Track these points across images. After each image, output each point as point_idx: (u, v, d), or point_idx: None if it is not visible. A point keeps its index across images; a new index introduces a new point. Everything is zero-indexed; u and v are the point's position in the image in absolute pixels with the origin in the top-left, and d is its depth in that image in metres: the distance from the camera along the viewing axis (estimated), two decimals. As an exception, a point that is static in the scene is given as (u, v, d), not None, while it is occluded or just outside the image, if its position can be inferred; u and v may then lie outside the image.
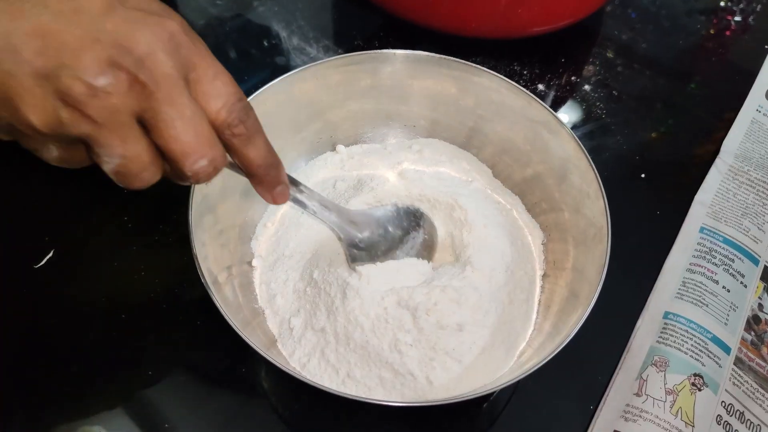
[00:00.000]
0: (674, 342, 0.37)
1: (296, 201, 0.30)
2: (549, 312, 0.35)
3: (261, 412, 0.35)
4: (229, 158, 0.26)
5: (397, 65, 0.39)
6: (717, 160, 0.46)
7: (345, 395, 0.29)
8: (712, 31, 0.57)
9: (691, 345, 0.37)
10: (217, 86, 0.24)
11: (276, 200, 0.28)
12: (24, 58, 0.21)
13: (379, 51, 0.39)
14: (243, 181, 0.37)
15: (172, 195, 0.42)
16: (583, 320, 0.30)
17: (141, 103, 0.22)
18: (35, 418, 0.33)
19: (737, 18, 0.58)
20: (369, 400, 0.31)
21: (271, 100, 0.37)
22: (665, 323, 0.38)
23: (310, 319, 0.34)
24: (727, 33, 0.57)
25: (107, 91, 0.21)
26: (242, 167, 0.26)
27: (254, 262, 0.37)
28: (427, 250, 0.37)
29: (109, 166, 0.23)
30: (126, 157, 0.23)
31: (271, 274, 0.36)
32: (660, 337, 0.37)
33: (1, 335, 0.36)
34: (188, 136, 0.23)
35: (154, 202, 0.43)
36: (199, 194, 0.33)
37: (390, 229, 0.35)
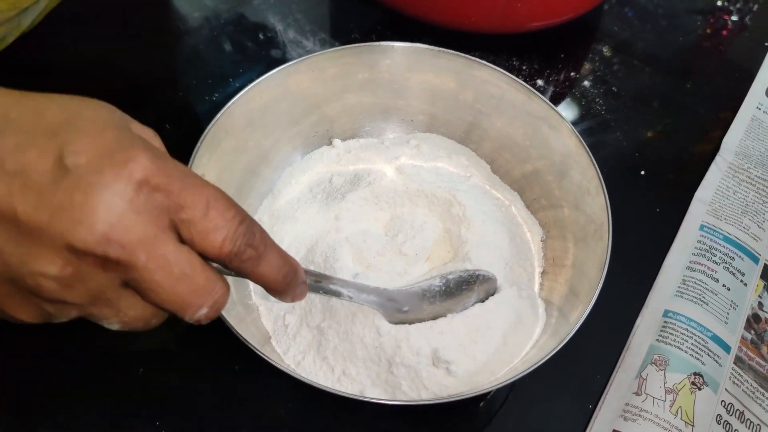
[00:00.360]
0: (674, 341, 0.36)
1: (330, 292, 0.29)
2: (548, 310, 0.35)
3: (254, 411, 0.34)
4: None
5: (396, 58, 0.39)
6: (717, 158, 0.46)
7: (340, 393, 0.28)
8: (708, 30, 0.57)
9: (691, 344, 0.36)
10: (212, 219, 0.21)
11: (295, 300, 0.26)
12: None
13: (376, 43, 0.38)
14: (239, 175, 0.37)
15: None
16: (583, 319, 0.29)
17: (121, 276, 0.20)
18: (24, 418, 0.33)
19: (734, 18, 0.58)
20: (365, 399, 0.30)
21: (266, 93, 0.37)
22: (665, 321, 0.38)
23: (305, 315, 0.33)
24: (724, 32, 0.57)
25: (80, 279, 0.19)
26: (257, 283, 0.24)
27: (248, 258, 0.36)
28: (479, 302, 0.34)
29: (112, 328, 0.22)
30: (125, 322, 0.22)
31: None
32: (660, 335, 0.37)
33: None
34: (180, 295, 0.21)
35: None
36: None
37: (437, 302, 0.33)
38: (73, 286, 0.20)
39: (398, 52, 0.39)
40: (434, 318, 0.32)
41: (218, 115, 0.35)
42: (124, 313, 0.21)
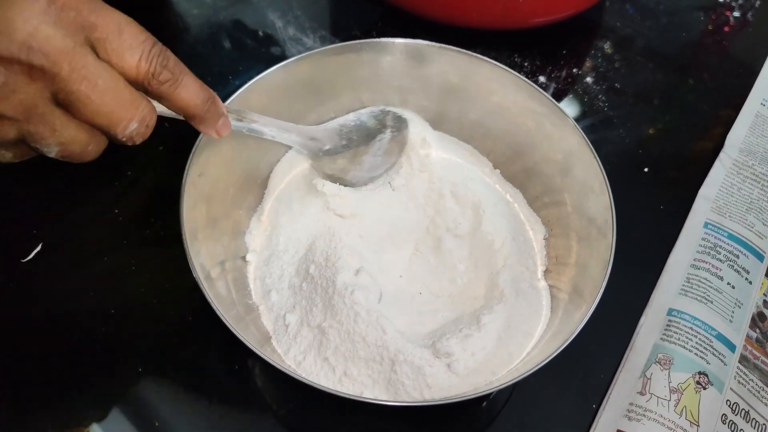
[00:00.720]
0: (678, 339, 0.36)
1: (252, 130, 0.30)
2: (551, 308, 0.34)
3: (254, 411, 0.34)
4: (160, 106, 0.25)
5: (397, 55, 0.38)
6: (721, 155, 0.46)
7: (341, 394, 0.28)
8: (710, 27, 0.56)
9: (696, 342, 0.36)
10: (126, 40, 0.22)
11: (220, 133, 0.28)
12: None
13: (377, 40, 0.38)
14: (238, 173, 0.37)
15: (164, 188, 0.42)
16: (587, 319, 0.29)
17: (49, 87, 0.21)
18: (21, 416, 0.32)
19: (736, 14, 0.57)
20: (366, 400, 0.30)
21: (267, 90, 0.36)
22: (669, 320, 0.37)
23: (306, 315, 0.33)
24: (726, 29, 0.56)
25: (10, 88, 0.21)
26: (178, 112, 0.26)
27: (248, 257, 0.36)
28: (397, 147, 0.35)
29: (51, 154, 0.23)
30: (63, 143, 0.23)
31: (266, 269, 0.35)
32: (664, 334, 0.37)
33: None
34: (108, 106, 0.22)
35: (146, 195, 0.41)
36: (192, 187, 0.32)
37: (354, 137, 0.35)
38: (5, 97, 0.21)
39: (399, 49, 0.38)
40: (360, 164, 0.34)
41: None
42: (59, 133, 0.22)
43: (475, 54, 0.38)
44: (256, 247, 0.36)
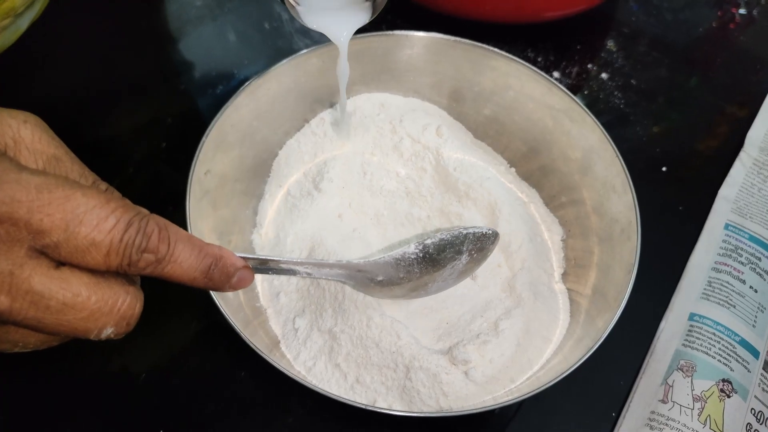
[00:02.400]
0: (701, 345, 0.35)
1: (282, 272, 0.26)
2: (570, 313, 0.33)
3: (263, 419, 0.32)
4: None
5: (411, 48, 0.37)
6: (741, 154, 0.44)
7: (353, 403, 0.27)
8: (731, 26, 0.55)
9: (719, 348, 0.35)
10: (84, 236, 0.18)
11: (237, 288, 0.23)
12: None
13: (390, 32, 0.37)
14: (245, 170, 0.35)
15: (167, 185, 0.40)
16: (612, 325, 0.28)
17: None
18: (21, 427, 0.31)
19: (742, 11, 0.56)
20: (379, 410, 0.28)
21: (275, 85, 0.35)
22: (691, 325, 0.36)
23: (316, 319, 0.31)
24: (732, 26, 0.55)
25: None
26: (178, 283, 0.21)
27: (256, 258, 0.34)
28: (475, 265, 0.31)
29: (28, 351, 0.20)
30: (30, 348, 0.20)
31: (274, 271, 0.34)
32: (686, 340, 0.35)
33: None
34: (69, 324, 0.18)
35: (149, 193, 0.40)
36: (197, 186, 0.31)
37: (416, 269, 0.30)
38: None
39: (413, 42, 0.37)
40: (424, 289, 0.30)
41: (224, 108, 0.33)
42: (23, 344, 0.19)
43: (490, 47, 0.37)
44: (263, 248, 0.35)
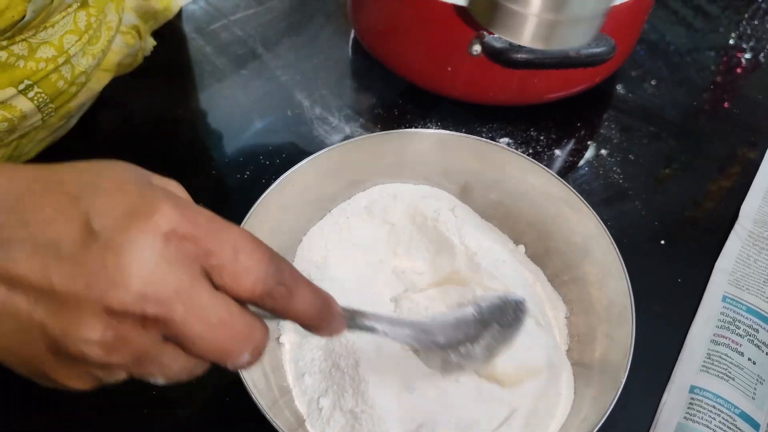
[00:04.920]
0: (702, 419, 0.37)
1: (365, 328, 0.28)
2: (578, 392, 0.35)
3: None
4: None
5: (421, 143, 0.41)
6: (736, 226, 0.47)
7: (375, 482, 0.29)
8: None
9: (719, 422, 0.37)
10: (242, 262, 0.21)
11: (333, 335, 0.26)
12: (33, 335, 0.19)
13: (403, 131, 0.41)
14: (277, 247, 0.39)
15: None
16: (611, 407, 0.30)
17: (161, 331, 0.20)
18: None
19: (746, 55, 0.60)
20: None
21: (299, 182, 0.39)
22: (692, 398, 0.38)
23: (338, 399, 0.34)
24: (738, 69, 0.59)
25: (122, 340, 0.20)
26: (295, 321, 0.24)
27: (282, 339, 0.37)
28: (509, 334, 0.33)
29: (158, 383, 0.22)
30: (170, 376, 0.22)
31: (299, 352, 0.37)
32: (687, 413, 0.37)
33: (26, 411, 0.37)
34: (221, 343, 0.21)
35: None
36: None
37: (472, 330, 0.32)
38: (116, 349, 0.20)
39: (424, 138, 0.41)
40: (474, 362, 0.32)
41: (254, 206, 0.36)
42: (168, 368, 0.21)
43: (494, 143, 0.40)
44: (288, 330, 0.38)
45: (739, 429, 0.37)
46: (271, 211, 0.38)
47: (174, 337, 0.20)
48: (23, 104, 0.39)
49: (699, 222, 0.49)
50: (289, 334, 0.38)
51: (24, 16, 0.34)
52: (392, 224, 0.41)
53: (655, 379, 0.39)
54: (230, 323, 0.21)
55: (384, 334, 0.29)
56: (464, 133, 0.41)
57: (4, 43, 0.36)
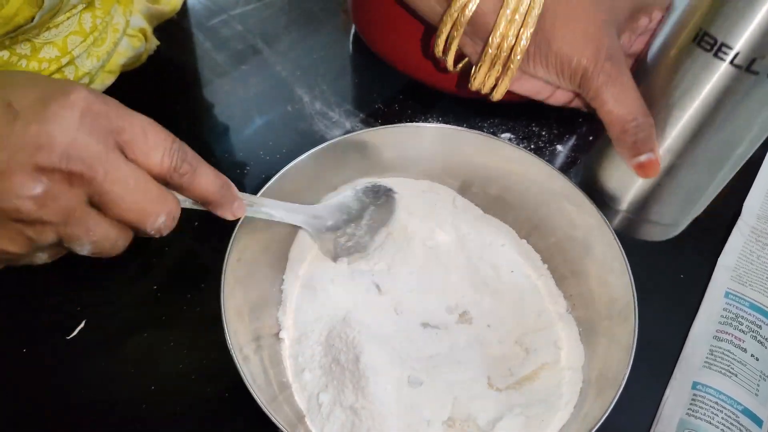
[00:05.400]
0: (704, 415, 0.36)
1: (263, 213, 0.33)
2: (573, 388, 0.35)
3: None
4: (181, 197, 0.27)
5: (422, 138, 0.41)
6: (739, 222, 0.46)
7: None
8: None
9: (722, 418, 0.36)
10: (150, 139, 0.25)
11: (236, 215, 0.30)
12: None
13: (403, 125, 0.40)
14: (271, 255, 0.39)
15: (199, 263, 0.44)
16: (612, 406, 0.30)
17: (86, 190, 0.23)
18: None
19: None
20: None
21: (299, 175, 0.38)
22: (694, 394, 0.38)
23: (338, 395, 0.34)
24: None
25: (51, 196, 0.22)
26: (197, 199, 0.28)
27: (282, 335, 0.37)
28: (385, 215, 0.38)
29: (84, 252, 0.25)
30: (95, 242, 0.25)
31: (298, 348, 0.36)
32: (689, 409, 0.37)
33: (32, 408, 0.36)
34: (139, 203, 0.24)
35: (182, 267, 0.43)
36: (231, 272, 0.34)
37: (354, 211, 0.38)
38: (46, 203, 0.22)
39: (424, 132, 0.40)
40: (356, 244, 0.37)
41: (265, 188, 0.36)
42: (93, 232, 0.24)
43: (495, 137, 0.40)
44: (288, 326, 0.38)
45: (742, 425, 0.36)
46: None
47: (97, 196, 0.23)
48: None
49: (701, 218, 0.48)
50: (288, 330, 0.37)
51: (31, 20, 0.34)
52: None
53: (658, 375, 0.39)
54: (145, 187, 0.24)
55: (280, 218, 0.33)
56: (473, 130, 0.40)
57: (7, 42, 0.36)
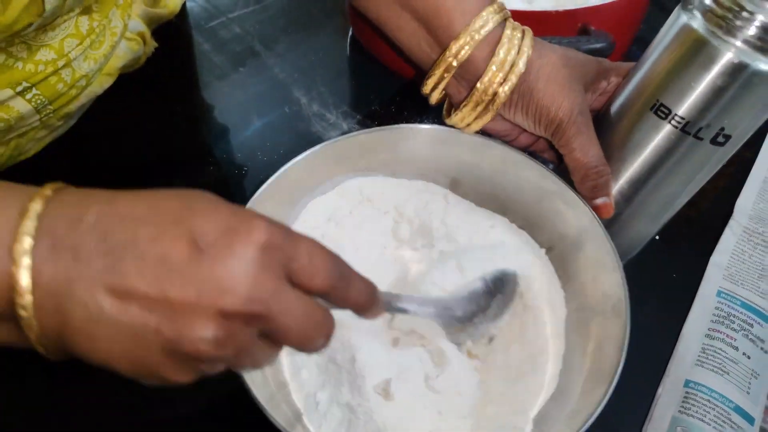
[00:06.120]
0: (696, 412, 0.37)
1: (398, 309, 0.32)
2: (569, 381, 0.35)
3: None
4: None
5: (416, 139, 0.41)
6: (731, 221, 0.47)
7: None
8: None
9: (714, 416, 0.37)
10: (315, 264, 0.24)
11: (376, 317, 0.29)
12: (148, 340, 0.22)
13: (398, 126, 0.41)
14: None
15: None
16: (606, 400, 0.30)
17: (259, 327, 0.23)
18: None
19: None
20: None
21: (295, 176, 0.39)
22: (686, 392, 0.38)
23: (335, 393, 0.34)
24: None
25: (231, 337, 0.22)
26: (351, 308, 0.27)
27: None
28: (509, 301, 0.38)
29: (242, 371, 0.26)
30: (258, 365, 0.25)
31: (296, 347, 0.37)
32: (682, 407, 0.37)
33: (29, 408, 0.37)
34: (306, 331, 0.24)
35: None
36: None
37: (482, 302, 0.37)
38: (225, 345, 0.22)
39: (418, 133, 0.41)
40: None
41: (250, 202, 0.36)
42: (257, 359, 0.24)
43: (488, 137, 0.40)
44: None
45: (734, 423, 0.37)
46: (268, 206, 0.38)
47: (270, 331, 0.24)
48: (20, 105, 0.39)
49: (694, 218, 0.49)
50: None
51: (30, 26, 0.34)
52: (384, 212, 0.42)
53: (650, 373, 0.40)
54: (312, 314, 0.24)
55: (414, 313, 0.33)
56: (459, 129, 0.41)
57: (3, 44, 0.36)
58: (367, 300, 0.27)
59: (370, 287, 0.27)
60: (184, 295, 0.22)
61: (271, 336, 0.24)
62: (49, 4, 0.34)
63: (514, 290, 0.38)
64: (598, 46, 0.45)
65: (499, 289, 0.37)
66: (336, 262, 0.25)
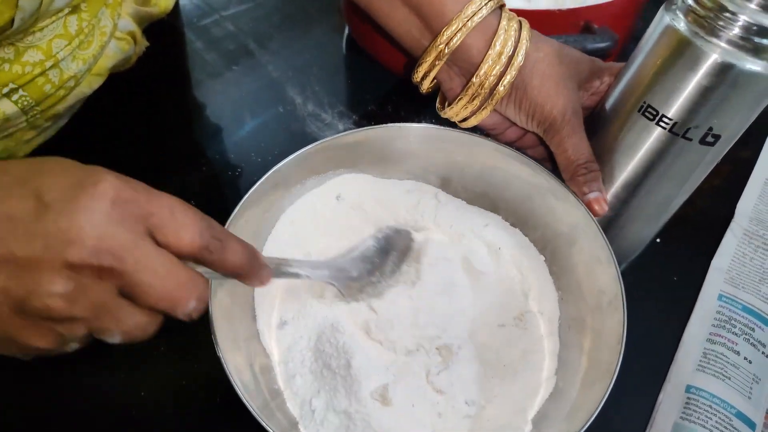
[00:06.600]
0: (698, 418, 0.36)
1: (290, 274, 0.32)
2: (567, 380, 0.35)
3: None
4: (209, 271, 0.26)
5: (407, 138, 0.40)
6: (732, 224, 0.46)
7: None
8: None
9: (716, 421, 0.36)
10: (179, 220, 0.24)
11: (263, 283, 0.29)
12: None
13: (389, 125, 0.40)
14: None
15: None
16: (605, 398, 0.30)
17: (116, 282, 0.22)
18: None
19: None
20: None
21: (286, 175, 0.38)
22: (688, 398, 0.38)
23: (331, 400, 0.34)
24: None
25: (82, 292, 0.22)
26: (227, 274, 0.27)
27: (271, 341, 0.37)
28: (404, 256, 0.39)
29: (115, 341, 0.24)
30: (126, 332, 0.24)
31: (288, 355, 0.36)
32: (683, 413, 0.37)
33: (24, 414, 0.36)
34: (170, 291, 0.23)
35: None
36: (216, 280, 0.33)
37: (376, 260, 0.38)
38: (77, 300, 0.22)
39: (409, 132, 0.40)
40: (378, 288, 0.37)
41: (242, 201, 0.35)
42: (123, 322, 0.23)
43: (478, 135, 0.40)
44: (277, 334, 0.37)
45: (736, 429, 0.36)
46: (258, 208, 0.37)
47: (127, 287, 0.23)
48: (6, 107, 0.38)
49: (694, 220, 0.48)
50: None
51: (11, 25, 0.33)
52: (371, 213, 0.41)
53: (651, 378, 0.39)
54: (175, 273, 0.23)
55: (307, 277, 0.33)
56: (457, 129, 0.40)
57: (-10, 46, 0.35)
58: (246, 263, 0.26)
59: (249, 250, 0.27)
60: (30, 251, 0.21)
61: (132, 296, 0.23)
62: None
63: (408, 246, 0.39)
64: (603, 45, 0.45)
65: (392, 246, 0.38)
66: (207, 222, 0.25)
